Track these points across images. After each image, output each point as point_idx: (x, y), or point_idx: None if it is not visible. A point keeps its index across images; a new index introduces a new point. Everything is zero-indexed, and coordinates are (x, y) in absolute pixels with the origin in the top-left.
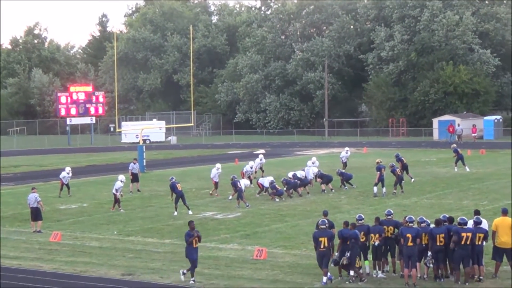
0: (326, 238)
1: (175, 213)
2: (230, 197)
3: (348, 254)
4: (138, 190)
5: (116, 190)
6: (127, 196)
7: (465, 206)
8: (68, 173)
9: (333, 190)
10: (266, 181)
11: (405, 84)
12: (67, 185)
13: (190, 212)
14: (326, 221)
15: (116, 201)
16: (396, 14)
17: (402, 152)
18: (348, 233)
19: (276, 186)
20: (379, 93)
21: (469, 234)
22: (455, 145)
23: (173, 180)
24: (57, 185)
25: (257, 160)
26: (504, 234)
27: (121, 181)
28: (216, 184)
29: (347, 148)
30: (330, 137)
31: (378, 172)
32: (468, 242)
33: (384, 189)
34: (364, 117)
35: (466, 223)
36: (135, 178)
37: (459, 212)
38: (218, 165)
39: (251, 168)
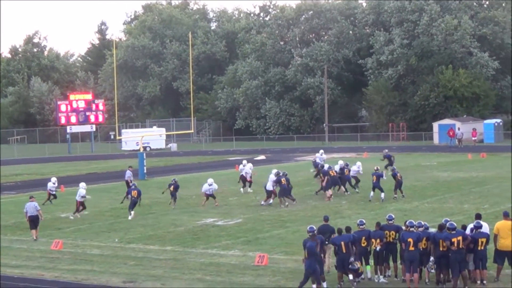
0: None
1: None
2: (263, 202)
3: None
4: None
5: (82, 197)
6: (126, 204)
7: (466, 210)
8: (54, 183)
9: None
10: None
11: (404, 88)
12: (54, 195)
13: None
14: (314, 227)
15: (78, 208)
16: (394, 18)
17: (403, 157)
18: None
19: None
20: (379, 98)
21: (459, 238)
22: (386, 150)
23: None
24: (58, 193)
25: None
26: (506, 237)
27: (83, 188)
28: (208, 196)
29: (322, 151)
30: (331, 142)
31: (373, 177)
32: (460, 246)
33: (382, 194)
34: (364, 122)
35: (454, 228)
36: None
37: (460, 216)
38: (210, 180)
39: (250, 169)
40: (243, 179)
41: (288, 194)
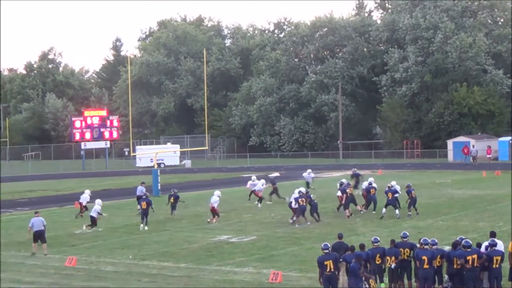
0: (331, 261)
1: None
2: (291, 221)
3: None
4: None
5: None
6: (140, 220)
7: (481, 228)
8: (89, 195)
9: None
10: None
11: (419, 105)
12: (85, 206)
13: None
14: (328, 245)
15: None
16: (409, 35)
17: (417, 174)
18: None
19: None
20: (393, 115)
21: (474, 256)
22: (355, 168)
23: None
24: (72, 209)
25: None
26: None
27: (99, 205)
28: (214, 209)
29: (309, 170)
30: (345, 159)
31: (389, 194)
32: (475, 264)
33: (397, 211)
34: (378, 139)
35: (470, 246)
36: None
37: (475, 234)
38: (218, 192)
39: (262, 185)
40: (257, 194)
41: (312, 212)
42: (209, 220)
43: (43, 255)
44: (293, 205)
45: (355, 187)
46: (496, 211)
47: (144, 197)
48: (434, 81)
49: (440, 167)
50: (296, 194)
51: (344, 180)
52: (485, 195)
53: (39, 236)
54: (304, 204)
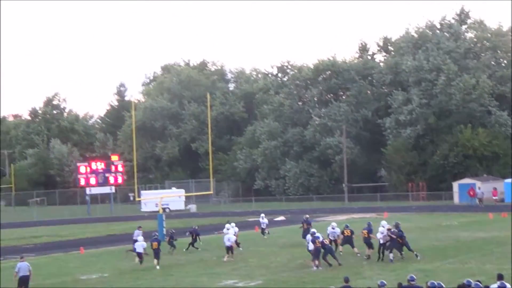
0: None
1: None
2: (315, 268)
3: None
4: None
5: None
6: (147, 265)
7: (488, 271)
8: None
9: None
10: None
11: (424, 147)
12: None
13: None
14: None
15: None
16: (412, 78)
17: (423, 217)
18: None
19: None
20: (398, 157)
21: None
22: (307, 215)
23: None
24: (77, 255)
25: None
26: None
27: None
28: (227, 248)
29: (262, 215)
30: (350, 202)
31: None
32: None
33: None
34: (383, 182)
35: None
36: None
37: (482, 277)
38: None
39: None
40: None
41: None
42: (225, 259)
43: None
44: (309, 247)
45: (304, 236)
46: (503, 253)
47: (154, 237)
48: (438, 123)
49: (446, 210)
50: (309, 237)
51: (334, 225)
52: (492, 237)
53: (24, 282)
54: (319, 245)
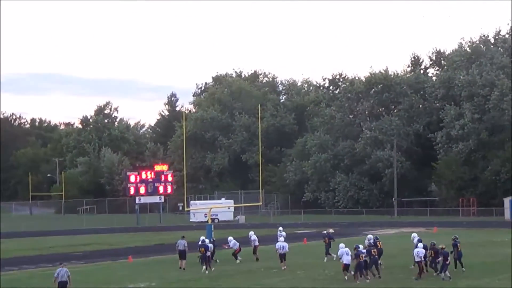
0: None
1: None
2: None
3: None
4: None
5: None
6: (194, 276)
7: None
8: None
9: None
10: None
11: (475, 163)
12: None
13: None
14: None
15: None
16: (465, 92)
17: (473, 232)
18: None
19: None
20: (449, 172)
21: None
22: (331, 230)
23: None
24: (125, 263)
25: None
26: None
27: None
28: (280, 256)
29: (280, 228)
30: (399, 216)
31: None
32: None
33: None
34: (433, 197)
35: None
36: (182, 255)
37: None
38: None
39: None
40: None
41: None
42: (284, 267)
43: None
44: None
45: (327, 251)
46: None
47: (201, 243)
48: (490, 138)
49: (496, 225)
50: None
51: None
52: None
53: (62, 287)
54: (362, 260)
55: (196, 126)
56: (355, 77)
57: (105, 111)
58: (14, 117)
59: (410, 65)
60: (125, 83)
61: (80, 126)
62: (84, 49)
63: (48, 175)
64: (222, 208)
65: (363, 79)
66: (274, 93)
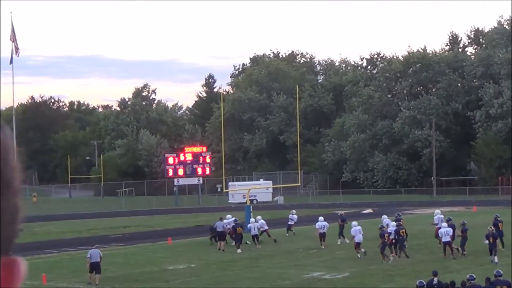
0: None
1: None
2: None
3: None
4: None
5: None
6: (234, 256)
7: None
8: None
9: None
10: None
11: None
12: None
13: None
14: (424, 282)
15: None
16: (504, 70)
17: None
18: None
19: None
20: (488, 151)
21: None
22: (343, 212)
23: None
24: (165, 245)
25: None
26: None
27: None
28: (320, 235)
29: (293, 211)
30: (438, 196)
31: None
32: None
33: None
34: (472, 176)
35: None
36: (221, 236)
37: None
38: (321, 218)
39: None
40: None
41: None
42: (323, 247)
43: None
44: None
45: (340, 233)
46: None
47: (237, 222)
48: None
49: None
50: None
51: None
52: None
53: (95, 267)
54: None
55: (234, 108)
56: (393, 57)
57: (143, 94)
58: (52, 100)
59: (449, 44)
60: (163, 65)
61: (118, 108)
62: (121, 31)
63: (87, 158)
64: (261, 189)
65: (401, 58)
66: (312, 73)
